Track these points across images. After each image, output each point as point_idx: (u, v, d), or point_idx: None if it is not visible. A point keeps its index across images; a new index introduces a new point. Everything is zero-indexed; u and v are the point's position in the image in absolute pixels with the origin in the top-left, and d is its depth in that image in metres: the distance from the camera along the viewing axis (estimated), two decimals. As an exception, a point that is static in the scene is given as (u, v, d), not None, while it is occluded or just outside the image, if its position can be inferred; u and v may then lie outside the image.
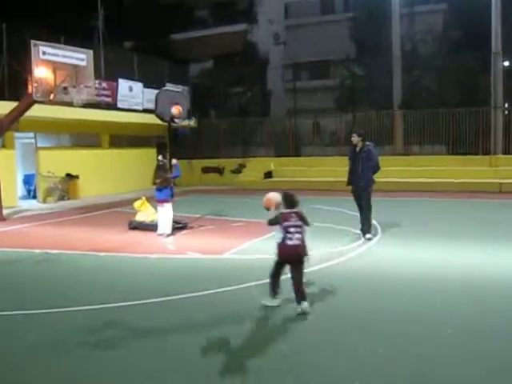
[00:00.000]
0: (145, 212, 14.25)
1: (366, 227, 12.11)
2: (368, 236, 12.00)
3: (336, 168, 25.50)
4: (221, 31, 34.78)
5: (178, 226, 13.81)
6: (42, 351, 5.91)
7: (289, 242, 6.93)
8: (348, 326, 6.51)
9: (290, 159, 28.08)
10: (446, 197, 20.20)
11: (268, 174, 27.11)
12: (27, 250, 11.71)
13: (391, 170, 24.46)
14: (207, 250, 11.22)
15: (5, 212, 17.60)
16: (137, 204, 14.42)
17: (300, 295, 6.90)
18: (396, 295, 7.78)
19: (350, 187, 12.33)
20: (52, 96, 15.02)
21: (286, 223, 7.02)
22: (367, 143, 12.03)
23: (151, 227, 13.69)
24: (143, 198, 14.55)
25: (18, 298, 8.08)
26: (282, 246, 7.02)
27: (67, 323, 6.82)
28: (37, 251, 11.50)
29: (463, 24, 27.58)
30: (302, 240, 7.00)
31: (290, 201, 7.28)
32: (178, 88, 14.82)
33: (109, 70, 24.66)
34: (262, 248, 11.35)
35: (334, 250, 10.80)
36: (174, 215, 13.29)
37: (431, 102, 26.82)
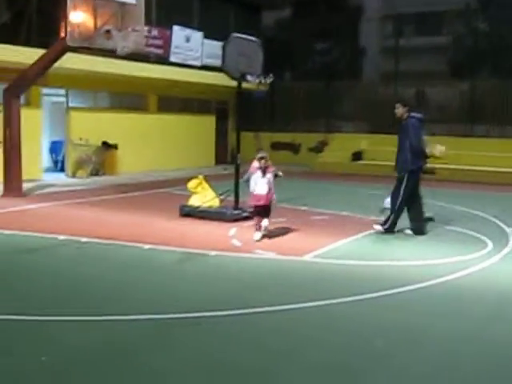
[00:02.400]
0: (202, 195, 13.70)
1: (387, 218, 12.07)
2: (377, 227, 12.12)
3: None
4: (303, -30, 33.89)
5: (244, 216, 13.20)
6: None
7: None
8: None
9: (387, 137, 27.00)
10: None
11: (357, 155, 26.29)
12: (48, 235, 11.32)
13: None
14: (282, 249, 10.57)
15: (25, 186, 17.43)
16: (192, 184, 13.88)
17: None
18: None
19: None
20: (91, 41, 14.56)
21: None
22: (412, 115, 11.83)
23: (209, 214, 13.15)
24: (200, 176, 13.99)
25: (30, 299, 7.60)
26: None
27: (102, 336, 6.28)
28: (61, 237, 11.10)
29: None
30: None
31: None
32: (252, 38, 13.93)
33: (161, 15, 24.23)
34: (353, 251, 10.70)
35: (448, 261, 9.97)
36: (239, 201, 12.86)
37: None
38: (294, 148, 28.29)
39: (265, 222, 11.33)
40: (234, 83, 26.08)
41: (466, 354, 6.01)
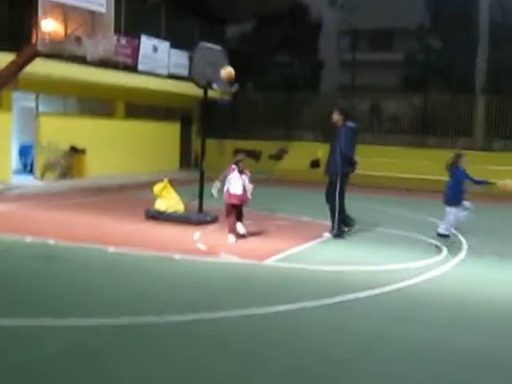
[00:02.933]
0: (166, 199, 13.31)
1: (332, 224, 11.97)
2: (326, 235, 11.96)
3: (397, 160, 24.50)
4: (266, -15, 33.66)
5: (206, 220, 12.87)
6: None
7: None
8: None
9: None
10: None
11: (315, 163, 26.02)
12: (16, 236, 10.85)
13: (469, 168, 23.37)
14: (245, 252, 10.25)
15: (-6, 187, 16.92)
16: (157, 188, 13.48)
17: None
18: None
19: None
20: (61, 47, 14.13)
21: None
22: (347, 123, 11.84)
23: (174, 218, 12.79)
24: (165, 180, 13.60)
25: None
26: None
27: (73, 340, 5.89)
28: (28, 239, 10.64)
29: None
30: None
31: None
32: (218, 47, 13.62)
33: (130, 25, 23.78)
34: (312, 256, 10.47)
35: (407, 267, 9.76)
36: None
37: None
38: (255, 155, 27.95)
39: (240, 229, 11.26)
40: (198, 92, 25.54)
41: (426, 360, 5.77)
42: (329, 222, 12.21)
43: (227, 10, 33.51)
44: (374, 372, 5.45)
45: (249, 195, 11.24)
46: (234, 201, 11.13)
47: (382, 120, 28.17)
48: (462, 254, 10.89)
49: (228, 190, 11.15)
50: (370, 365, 5.61)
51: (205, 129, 13.85)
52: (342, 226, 12.04)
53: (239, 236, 11.32)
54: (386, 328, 6.70)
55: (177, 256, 9.77)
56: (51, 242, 10.50)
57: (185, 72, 25.13)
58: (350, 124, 11.85)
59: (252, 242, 11.32)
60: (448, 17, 27.69)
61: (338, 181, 11.69)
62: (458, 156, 11.66)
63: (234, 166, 11.20)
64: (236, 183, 11.11)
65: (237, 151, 28.17)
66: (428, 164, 23.80)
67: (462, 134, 25.39)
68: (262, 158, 27.71)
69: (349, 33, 31.87)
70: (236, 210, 11.28)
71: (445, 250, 11.07)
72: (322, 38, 33.52)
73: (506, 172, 22.57)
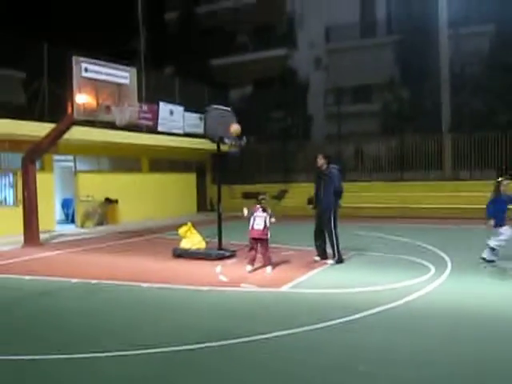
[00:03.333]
0: (190, 239, 12.96)
1: (333, 251, 11.65)
2: (330, 261, 11.64)
3: (381, 193, 24.25)
4: (260, 56, 33.59)
5: (226, 255, 12.49)
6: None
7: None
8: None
9: (333, 185, 26.64)
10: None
11: (311, 200, 25.74)
12: (63, 278, 10.49)
13: (440, 195, 23.10)
14: (263, 282, 9.88)
15: (42, 236, 16.56)
16: (182, 230, 13.13)
17: None
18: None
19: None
20: (94, 115, 13.90)
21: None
22: (331, 166, 11.68)
23: (198, 255, 12.42)
24: (189, 223, 13.27)
25: (51, 338, 6.78)
26: None
27: (123, 370, 5.51)
28: (73, 280, 10.27)
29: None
30: None
31: None
32: (227, 108, 13.39)
33: (150, 94, 23.69)
34: (323, 280, 10.05)
35: (403, 285, 9.34)
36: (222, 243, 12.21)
37: (481, 125, 25.14)
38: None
39: (268, 270, 10.93)
40: (210, 146, 25.30)
41: (434, 364, 5.39)
42: (328, 250, 11.86)
43: (229, 77, 33.66)
44: (392, 380, 5.08)
45: (269, 224, 10.84)
46: (255, 235, 10.84)
47: (364, 160, 27.85)
48: (448, 271, 10.50)
49: (252, 227, 10.86)
50: (387, 373, 5.25)
51: (220, 178, 13.47)
52: (340, 252, 11.67)
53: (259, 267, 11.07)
54: (394, 340, 6.32)
55: (204, 288, 9.38)
56: (93, 281, 10.13)
57: (197, 130, 25.02)
58: (335, 166, 11.76)
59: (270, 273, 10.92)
60: (415, 70, 27.53)
61: (332, 214, 11.52)
62: (499, 182, 11.23)
63: (258, 206, 10.97)
64: (259, 220, 10.84)
65: (246, 194, 28.05)
66: (406, 195, 23.61)
67: (433, 168, 25.05)
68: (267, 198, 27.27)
69: (333, 90, 31.65)
70: (257, 244, 10.94)
71: (433, 269, 10.68)
72: (310, 96, 33.45)
73: (472, 198, 22.40)
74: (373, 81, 29.58)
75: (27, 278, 10.72)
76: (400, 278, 9.80)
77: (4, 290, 9.73)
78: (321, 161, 11.63)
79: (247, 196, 27.93)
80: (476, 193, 22.46)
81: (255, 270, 10.94)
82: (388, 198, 23.80)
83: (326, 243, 11.83)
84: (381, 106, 30.36)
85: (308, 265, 11.52)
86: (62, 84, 17.43)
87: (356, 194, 23.23)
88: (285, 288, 9.35)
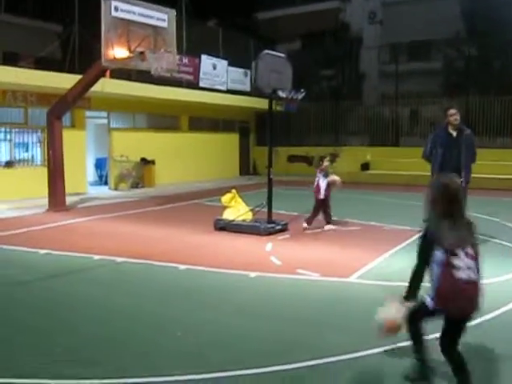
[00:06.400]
0: (235, 209, 11.08)
1: None
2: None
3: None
4: (310, 9, 31.24)
5: (277, 229, 10.60)
6: None
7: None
8: None
9: (389, 149, 24.43)
10: None
11: (365, 166, 23.70)
12: (84, 254, 8.74)
13: (509, 164, 20.72)
14: (324, 268, 7.88)
15: (71, 199, 15.06)
16: (226, 198, 11.25)
17: None
18: None
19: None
20: (125, 63, 12.00)
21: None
22: (462, 125, 9.08)
23: (244, 228, 10.55)
24: (233, 190, 11.37)
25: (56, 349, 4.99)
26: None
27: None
28: (96, 257, 8.53)
29: None
30: None
31: None
32: (281, 54, 11.35)
33: (191, 46, 21.72)
34: (401, 268, 8.02)
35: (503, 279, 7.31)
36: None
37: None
38: (308, 160, 25.60)
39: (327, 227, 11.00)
40: (255, 104, 23.83)
41: None
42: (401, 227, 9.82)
43: (276, 31, 31.39)
44: None
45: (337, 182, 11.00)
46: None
47: (422, 124, 25.45)
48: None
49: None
50: None
51: (269, 137, 11.37)
52: None
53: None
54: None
55: (252, 274, 7.51)
56: (119, 260, 8.38)
57: (242, 87, 23.21)
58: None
59: (329, 254, 8.97)
60: (484, 23, 24.78)
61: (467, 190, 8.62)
62: None
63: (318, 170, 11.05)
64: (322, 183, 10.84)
65: (291, 157, 26.12)
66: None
67: (502, 134, 22.60)
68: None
69: (388, 46, 29.03)
70: (323, 205, 10.91)
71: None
72: (363, 52, 31.01)
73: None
74: (433, 36, 26.86)
75: (42, 252, 9.01)
76: (500, 268, 7.76)
77: (9, 270, 7.96)
78: (459, 117, 8.83)
79: (293, 160, 26.01)
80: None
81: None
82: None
83: None
84: (442, 63, 27.73)
85: (378, 245, 9.53)
86: (95, 33, 15.74)
87: (412, 160, 20.99)
88: (353, 277, 7.39)
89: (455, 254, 3.64)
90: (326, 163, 11.04)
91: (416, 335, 4.05)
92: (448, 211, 3.76)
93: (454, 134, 8.71)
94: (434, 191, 3.90)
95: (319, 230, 10.88)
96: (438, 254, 3.69)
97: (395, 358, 4.73)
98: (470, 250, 3.70)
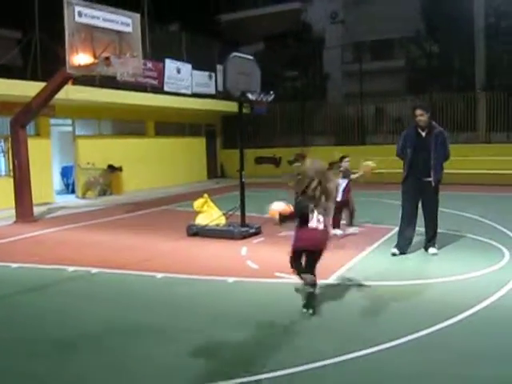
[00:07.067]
0: (208, 213, 10.96)
1: (433, 240, 8.79)
2: (434, 251, 8.71)
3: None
4: (272, 10, 31.31)
5: (251, 232, 10.53)
6: None
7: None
8: None
9: (355, 148, 24.50)
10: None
11: (332, 165, 23.73)
12: (58, 266, 8.54)
13: (472, 160, 20.97)
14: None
15: (38, 210, 14.73)
16: (198, 204, 11.12)
17: None
18: None
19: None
20: (90, 69, 11.78)
21: None
22: (433, 123, 8.71)
23: (217, 233, 10.45)
24: (205, 195, 11.24)
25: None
26: None
27: None
28: (70, 269, 8.33)
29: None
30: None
31: None
32: (249, 56, 11.27)
33: (154, 51, 21.53)
34: (378, 266, 8.06)
35: (477, 275, 7.36)
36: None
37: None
38: (275, 161, 25.65)
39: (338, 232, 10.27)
40: (220, 107, 23.72)
41: None
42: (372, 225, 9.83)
43: (239, 33, 31.33)
44: None
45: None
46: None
47: (386, 122, 25.66)
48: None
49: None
50: None
51: (239, 140, 11.29)
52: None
53: None
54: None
55: (230, 279, 7.42)
56: (94, 270, 8.19)
57: (207, 90, 22.99)
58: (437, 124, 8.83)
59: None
60: (444, 21, 25.10)
61: (438, 189, 8.66)
62: None
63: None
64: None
65: (258, 159, 26.04)
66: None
67: (465, 129, 22.89)
68: (282, 163, 25.31)
69: (350, 45, 29.24)
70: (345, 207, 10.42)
71: (506, 251, 8.68)
72: (325, 52, 31.15)
73: (508, 162, 20.34)
74: (395, 34, 27.13)
75: (14, 265, 8.78)
76: (474, 265, 7.82)
77: (-19, 284, 7.75)
78: (425, 118, 8.46)
79: (260, 161, 25.95)
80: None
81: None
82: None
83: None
84: (404, 62, 28.03)
85: (356, 244, 9.54)
86: (57, 39, 15.45)
87: (378, 159, 21.11)
88: (332, 278, 7.37)
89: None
90: (345, 164, 10.59)
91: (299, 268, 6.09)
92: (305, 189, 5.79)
93: (423, 133, 8.59)
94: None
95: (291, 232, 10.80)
96: None
97: (381, 361, 4.70)
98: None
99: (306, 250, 5.99)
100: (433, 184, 8.48)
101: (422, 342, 5.04)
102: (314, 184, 5.74)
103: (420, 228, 8.89)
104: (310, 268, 6.00)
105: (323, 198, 5.82)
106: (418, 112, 8.58)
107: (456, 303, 6.06)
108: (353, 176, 10.49)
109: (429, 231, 8.75)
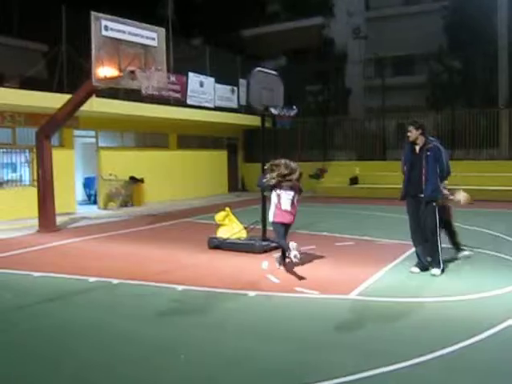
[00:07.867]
0: (229, 227, 10.98)
1: (432, 260, 8.41)
2: (434, 272, 8.31)
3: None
4: (295, 26, 31.47)
5: (272, 246, 10.50)
6: None
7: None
8: None
9: (376, 163, 24.43)
10: None
11: (353, 180, 23.66)
12: (79, 276, 8.58)
13: (495, 176, 20.79)
14: (322, 285, 7.80)
15: (60, 219, 14.84)
16: (219, 216, 11.14)
17: None
18: None
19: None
20: (116, 81, 11.91)
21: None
22: (430, 138, 8.45)
23: (238, 246, 10.44)
24: (227, 208, 11.27)
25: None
26: None
27: None
28: (91, 279, 8.37)
29: None
30: None
31: None
32: (273, 72, 11.30)
33: (178, 65, 21.70)
34: (396, 285, 7.94)
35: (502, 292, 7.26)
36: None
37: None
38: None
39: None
40: (243, 121, 23.82)
41: None
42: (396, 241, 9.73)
43: (262, 47, 31.49)
44: None
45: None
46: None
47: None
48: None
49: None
50: None
51: (261, 153, 11.41)
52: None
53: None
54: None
55: (251, 293, 7.41)
56: (115, 281, 8.23)
57: (229, 104, 23.14)
58: (435, 139, 8.56)
59: (326, 271, 8.88)
60: (467, 36, 24.98)
61: (436, 207, 8.28)
62: None
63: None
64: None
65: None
66: (456, 175, 21.25)
67: (488, 146, 22.71)
68: (304, 177, 25.25)
69: (372, 61, 29.27)
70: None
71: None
72: (348, 67, 31.20)
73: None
74: (417, 50, 27.10)
75: (36, 274, 8.85)
76: (498, 282, 7.71)
77: (3, 294, 7.77)
78: (413, 134, 8.34)
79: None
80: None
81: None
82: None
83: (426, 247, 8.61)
84: (426, 77, 27.93)
85: (375, 261, 9.48)
86: (83, 52, 15.65)
87: (397, 174, 21.01)
88: (353, 294, 7.31)
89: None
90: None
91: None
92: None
93: (417, 149, 8.38)
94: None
95: (313, 246, 10.77)
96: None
97: (403, 378, 4.65)
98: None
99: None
100: (424, 199, 8.27)
101: (446, 359, 4.97)
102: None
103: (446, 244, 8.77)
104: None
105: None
106: (407, 128, 8.51)
107: (480, 321, 5.99)
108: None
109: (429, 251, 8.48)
